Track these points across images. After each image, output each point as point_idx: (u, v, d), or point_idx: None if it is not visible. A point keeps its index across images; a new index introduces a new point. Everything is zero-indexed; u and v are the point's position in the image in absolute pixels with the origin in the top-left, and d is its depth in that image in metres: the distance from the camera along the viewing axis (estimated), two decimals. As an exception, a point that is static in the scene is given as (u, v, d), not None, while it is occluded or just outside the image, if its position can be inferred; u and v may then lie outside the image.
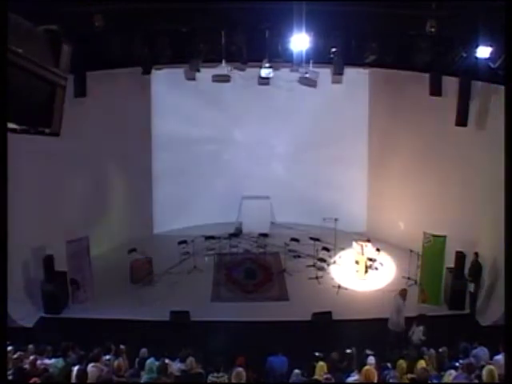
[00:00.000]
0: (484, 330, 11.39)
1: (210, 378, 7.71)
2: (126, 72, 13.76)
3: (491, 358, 7.93)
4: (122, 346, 8.89)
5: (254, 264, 14.78)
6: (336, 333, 11.51)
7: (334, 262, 14.70)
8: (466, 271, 12.35)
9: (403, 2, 10.27)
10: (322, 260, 14.30)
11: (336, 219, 15.10)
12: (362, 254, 13.93)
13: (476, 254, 11.99)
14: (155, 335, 11.07)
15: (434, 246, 12.55)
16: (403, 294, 11.00)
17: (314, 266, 14.34)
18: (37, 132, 2.16)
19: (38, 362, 7.74)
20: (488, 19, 9.19)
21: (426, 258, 12.74)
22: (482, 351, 8.26)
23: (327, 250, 14.43)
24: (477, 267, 11.99)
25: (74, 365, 7.69)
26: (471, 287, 11.97)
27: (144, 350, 8.82)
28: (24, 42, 1.86)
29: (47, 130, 2.16)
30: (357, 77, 14.68)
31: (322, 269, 14.26)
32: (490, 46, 9.44)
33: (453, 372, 7.40)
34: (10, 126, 2.02)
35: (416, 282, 13.25)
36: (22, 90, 1.89)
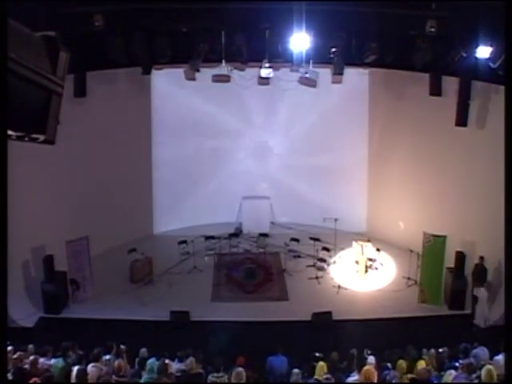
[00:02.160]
0: (484, 330, 11.38)
1: (210, 378, 7.71)
2: (126, 72, 13.78)
3: (491, 358, 7.93)
4: (122, 346, 8.90)
5: (254, 264, 14.76)
6: (336, 333, 11.51)
7: (334, 262, 14.69)
8: (467, 272, 12.31)
9: (403, 2, 10.28)
10: (322, 260, 14.30)
11: (336, 219, 15.09)
12: (362, 254, 13.92)
13: (482, 258, 11.87)
14: (155, 335, 11.08)
15: (434, 246, 12.54)
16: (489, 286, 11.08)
17: (314, 266, 14.33)
18: (31, 139, 2.14)
19: (38, 361, 7.74)
20: (488, 19, 9.20)
21: (426, 258, 12.73)
22: (481, 351, 8.25)
23: (327, 250, 14.42)
24: (482, 271, 11.88)
25: (74, 365, 7.70)
26: (477, 292, 11.87)
27: (144, 350, 8.83)
28: (22, 48, 1.85)
29: (42, 138, 2.14)
30: (357, 77, 14.67)
31: (321, 269, 14.25)
32: (490, 45, 9.45)
33: (453, 372, 7.40)
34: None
35: (416, 282, 13.25)
36: (18, 97, 1.88)
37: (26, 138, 2.11)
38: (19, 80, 1.84)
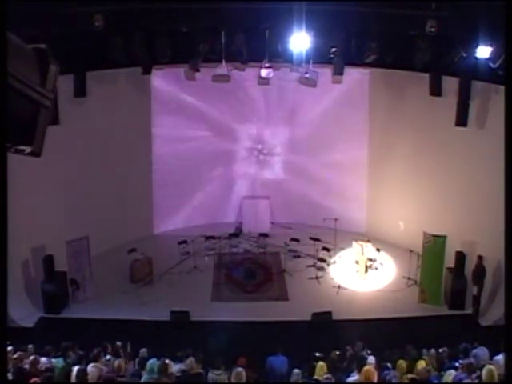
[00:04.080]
0: (484, 330, 11.39)
1: (210, 375, 7.75)
2: (126, 72, 13.78)
3: (491, 358, 7.93)
4: (118, 343, 8.91)
5: (254, 264, 14.76)
6: (336, 333, 11.51)
7: (334, 262, 14.68)
8: (467, 272, 12.31)
9: (403, 1, 10.29)
10: (322, 260, 14.29)
11: (336, 219, 15.09)
12: (362, 254, 13.91)
13: (480, 257, 11.86)
14: (155, 335, 11.08)
15: (434, 246, 12.54)
16: None
17: (314, 266, 14.32)
18: (17, 151, 2.15)
19: (39, 361, 7.74)
20: (488, 19, 9.21)
21: (426, 258, 12.74)
22: (481, 351, 8.25)
23: (327, 250, 14.41)
24: (481, 270, 11.85)
25: (74, 365, 7.70)
26: (475, 290, 11.88)
27: (144, 350, 8.83)
28: (13, 59, 1.86)
29: (28, 150, 2.14)
30: (357, 77, 14.67)
31: (321, 269, 14.25)
32: (490, 45, 9.46)
33: (453, 372, 7.40)
34: None
35: (416, 282, 13.25)
36: (7, 108, 1.88)
37: (12, 150, 2.11)
38: (10, 91, 1.85)
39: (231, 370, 7.72)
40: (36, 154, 2.14)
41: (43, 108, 2.11)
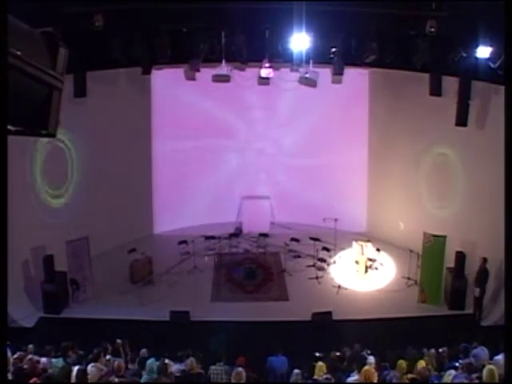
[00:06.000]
0: (484, 330, 11.38)
1: (212, 368, 7.96)
2: (126, 72, 13.79)
3: (491, 358, 7.92)
4: (118, 341, 8.91)
5: (254, 264, 14.75)
6: (336, 333, 11.51)
7: (334, 262, 14.68)
8: (467, 272, 12.29)
9: (403, 2, 10.29)
10: (322, 260, 14.29)
11: (336, 219, 15.09)
12: (362, 254, 13.91)
13: (484, 259, 11.79)
14: (155, 335, 11.08)
15: (434, 246, 12.54)
16: None
17: (314, 266, 14.32)
18: (33, 133, 2.17)
19: (39, 361, 7.74)
20: (488, 19, 9.21)
21: (426, 258, 12.74)
22: (482, 351, 8.25)
23: (327, 249, 14.41)
24: (484, 273, 11.79)
25: (74, 365, 7.69)
26: (477, 292, 11.84)
27: (144, 350, 8.83)
28: (22, 44, 1.87)
29: (43, 132, 2.17)
30: (357, 77, 14.67)
31: (321, 269, 14.25)
32: (490, 45, 9.46)
33: (453, 372, 7.39)
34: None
35: (416, 282, 13.25)
36: (19, 92, 1.90)
37: (28, 133, 2.14)
38: (22, 76, 1.86)
39: (232, 366, 7.78)
40: (52, 135, 2.17)
41: (55, 90, 2.14)
